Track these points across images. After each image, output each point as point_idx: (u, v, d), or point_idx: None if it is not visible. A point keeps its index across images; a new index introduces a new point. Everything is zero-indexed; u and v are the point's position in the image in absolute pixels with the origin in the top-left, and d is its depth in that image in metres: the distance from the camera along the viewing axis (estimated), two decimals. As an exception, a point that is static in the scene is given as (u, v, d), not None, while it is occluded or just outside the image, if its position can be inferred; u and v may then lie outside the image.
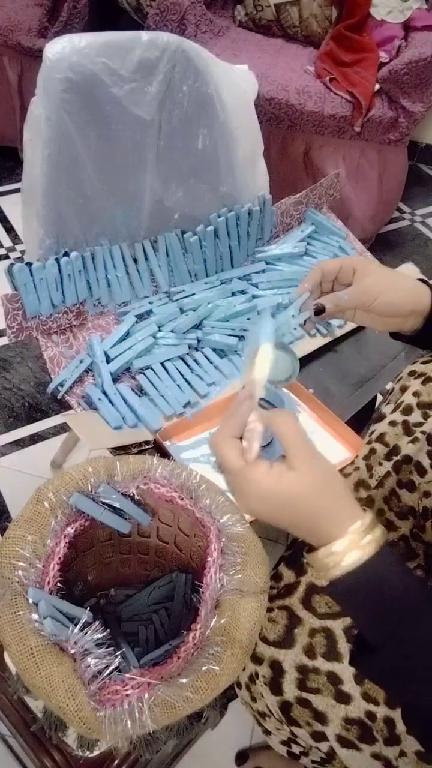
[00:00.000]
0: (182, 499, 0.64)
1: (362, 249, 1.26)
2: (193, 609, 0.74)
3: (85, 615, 0.54)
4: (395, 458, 0.74)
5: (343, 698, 0.60)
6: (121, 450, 0.86)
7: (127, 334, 1.01)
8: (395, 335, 0.73)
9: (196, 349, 1.03)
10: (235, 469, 0.49)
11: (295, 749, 0.67)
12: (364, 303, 0.67)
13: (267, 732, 0.69)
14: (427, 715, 0.45)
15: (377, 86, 1.68)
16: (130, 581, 0.81)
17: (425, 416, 0.76)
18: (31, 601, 0.53)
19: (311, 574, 0.67)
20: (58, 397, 0.93)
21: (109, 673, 0.51)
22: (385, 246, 2.10)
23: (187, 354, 1.01)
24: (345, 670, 0.61)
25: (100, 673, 0.50)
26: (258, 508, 0.49)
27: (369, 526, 0.47)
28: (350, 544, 0.46)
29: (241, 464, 0.49)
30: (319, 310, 0.69)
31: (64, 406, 1.41)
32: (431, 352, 0.80)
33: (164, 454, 0.89)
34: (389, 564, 0.46)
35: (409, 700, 0.47)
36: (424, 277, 0.74)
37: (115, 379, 0.96)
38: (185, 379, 0.98)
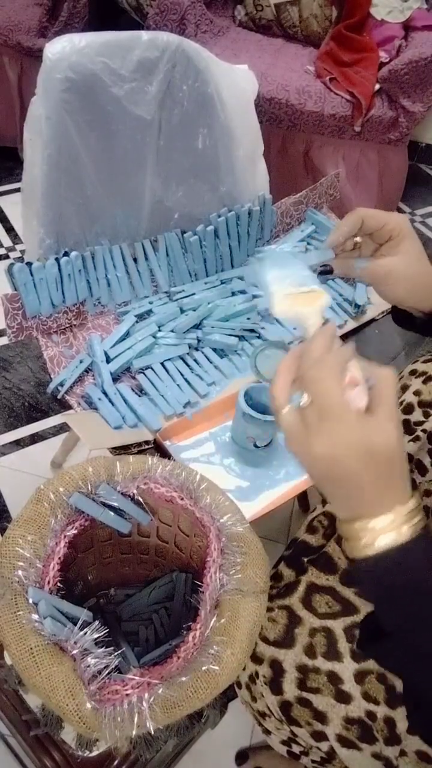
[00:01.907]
0: (182, 498, 0.63)
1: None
2: (193, 609, 0.74)
3: (84, 615, 0.54)
4: (396, 457, 0.74)
5: (344, 698, 0.60)
6: (121, 450, 0.86)
7: (127, 334, 1.01)
8: (396, 316, 0.71)
9: (196, 349, 1.03)
10: (337, 406, 0.46)
11: (295, 749, 0.67)
12: (372, 283, 0.65)
13: (267, 732, 0.69)
14: None
15: (377, 86, 1.69)
16: (130, 581, 0.80)
17: (426, 415, 0.76)
18: (31, 600, 0.52)
19: (311, 574, 0.67)
20: (58, 397, 0.93)
21: (109, 673, 0.51)
22: (385, 246, 2.10)
23: (187, 354, 1.01)
24: (345, 670, 0.60)
25: (100, 672, 0.50)
26: (339, 452, 0.45)
27: (413, 512, 0.46)
28: (389, 525, 0.45)
29: (345, 403, 0.46)
30: (326, 272, 0.66)
31: (64, 405, 1.41)
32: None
33: (164, 454, 0.89)
34: (420, 552, 0.45)
35: (420, 688, 0.47)
36: None
37: (115, 379, 0.96)
38: (185, 379, 0.98)
